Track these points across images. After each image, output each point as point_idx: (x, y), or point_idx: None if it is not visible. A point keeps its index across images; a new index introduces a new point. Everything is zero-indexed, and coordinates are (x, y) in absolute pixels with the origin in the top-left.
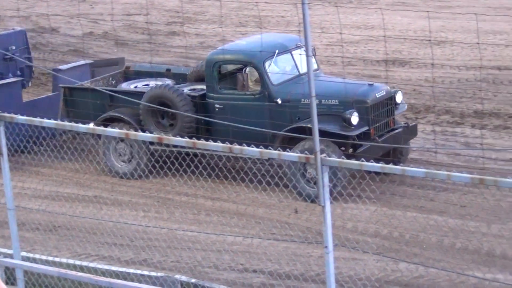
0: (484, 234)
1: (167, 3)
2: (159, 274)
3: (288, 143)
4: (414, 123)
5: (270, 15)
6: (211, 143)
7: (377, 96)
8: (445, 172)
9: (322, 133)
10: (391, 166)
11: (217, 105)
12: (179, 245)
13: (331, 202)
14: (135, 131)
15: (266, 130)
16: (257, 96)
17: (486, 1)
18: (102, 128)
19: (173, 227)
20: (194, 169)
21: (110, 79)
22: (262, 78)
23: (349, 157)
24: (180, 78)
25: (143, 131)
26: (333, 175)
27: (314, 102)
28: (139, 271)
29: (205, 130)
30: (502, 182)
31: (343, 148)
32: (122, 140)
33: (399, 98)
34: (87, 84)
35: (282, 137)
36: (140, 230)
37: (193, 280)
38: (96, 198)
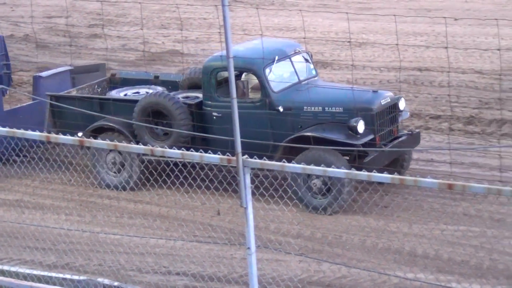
0: (406, 234)
1: (89, 6)
2: (81, 277)
3: (290, 153)
4: (417, 131)
5: (192, 17)
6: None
7: (382, 103)
8: (366, 173)
9: (327, 142)
10: (312, 167)
11: (215, 114)
12: (101, 248)
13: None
14: (128, 141)
15: (266, 142)
16: (257, 104)
17: (407, 3)
18: (91, 140)
19: (95, 230)
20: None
21: (96, 86)
22: (263, 85)
23: (357, 168)
24: (169, 85)
25: (137, 141)
26: (341, 187)
27: (235, 102)
28: (61, 275)
29: (200, 140)
30: (422, 182)
31: (347, 158)
32: (111, 150)
33: (402, 105)
34: (73, 91)
35: (284, 147)
36: (62, 233)
37: (115, 283)
38: (17, 202)
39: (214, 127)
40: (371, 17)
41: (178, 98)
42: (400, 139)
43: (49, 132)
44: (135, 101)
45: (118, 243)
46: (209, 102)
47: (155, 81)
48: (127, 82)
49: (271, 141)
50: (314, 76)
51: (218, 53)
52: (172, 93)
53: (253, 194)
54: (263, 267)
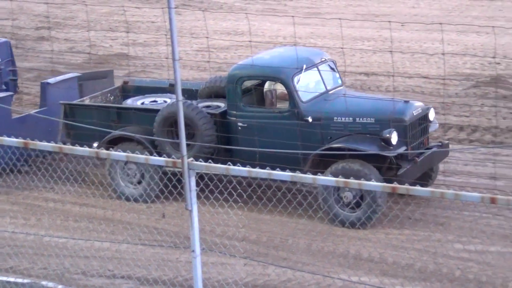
0: (351, 237)
1: (36, 8)
2: (26, 280)
3: (318, 166)
4: (447, 142)
5: (140, 20)
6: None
7: (414, 114)
8: (311, 176)
9: (359, 154)
10: (257, 170)
11: (240, 124)
12: (46, 251)
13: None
14: (149, 151)
15: (294, 151)
16: (285, 114)
17: (354, 8)
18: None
19: (40, 233)
20: (61, 174)
21: (108, 94)
22: (291, 95)
23: (388, 181)
24: (185, 93)
25: (158, 151)
26: (372, 201)
27: (181, 105)
28: (5, 278)
29: (224, 151)
30: (365, 185)
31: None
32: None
33: (431, 115)
34: (86, 100)
35: (313, 159)
36: (7, 236)
37: (60, 287)
38: None
39: (240, 137)
40: (319, 22)
41: (201, 108)
42: (431, 150)
43: (63, 143)
44: (156, 111)
45: (63, 246)
46: (234, 112)
47: (170, 89)
48: (140, 90)
49: (300, 153)
50: (340, 86)
51: (243, 61)
52: (193, 102)
53: (198, 197)
54: (208, 270)
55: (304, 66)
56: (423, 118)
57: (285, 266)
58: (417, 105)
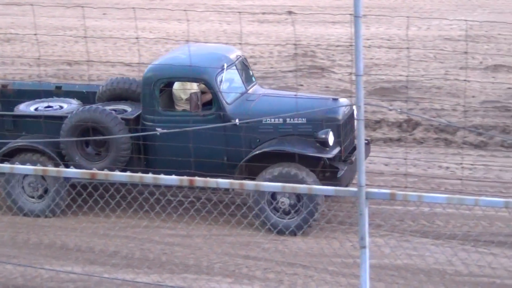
0: (59, 228)
1: None
2: None
3: (250, 172)
4: (368, 139)
5: None
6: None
7: (345, 112)
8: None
9: (293, 156)
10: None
11: (159, 129)
12: None
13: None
14: (54, 161)
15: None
16: (209, 117)
17: None
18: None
19: None
20: None
21: None
22: (215, 96)
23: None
24: (74, 96)
25: (65, 162)
26: (308, 201)
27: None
28: None
29: (137, 160)
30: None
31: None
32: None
33: (355, 112)
34: None
35: (243, 165)
36: None
37: None
38: None
39: (158, 144)
40: (20, 12)
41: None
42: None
43: None
44: (63, 117)
45: None
46: (152, 117)
47: (57, 92)
48: (22, 94)
49: (225, 159)
50: (255, 84)
51: (156, 61)
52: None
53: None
54: None
55: (225, 65)
56: (351, 116)
57: None
58: (346, 102)
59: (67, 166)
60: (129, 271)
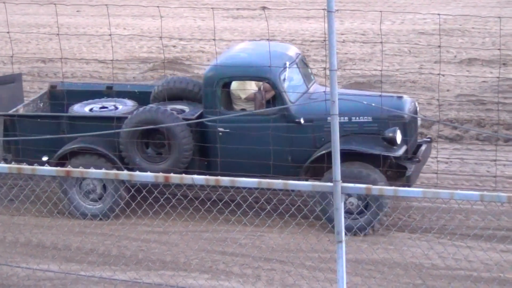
0: (34, 226)
1: None
2: None
3: (314, 173)
4: (430, 137)
5: None
6: None
7: (410, 111)
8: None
9: (360, 155)
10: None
11: (221, 130)
12: None
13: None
14: (113, 164)
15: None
16: (274, 116)
17: None
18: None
19: None
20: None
21: (38, 101)
22: (280, 95)
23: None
24: (126, 96)
25: (126, 164)
26: (373, 202)
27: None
28: None
29: (199, 162)
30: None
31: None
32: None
33: (417, 110)
34: (20, 109)
35: (307, 166)
36: None
37: None
38: None
39: (220, 145)
40: None
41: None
42: (423, 147)
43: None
44: (120, 118)
45: None
46: (214, 117)
47: (108, 92)
48: (72, 95)
49: (289, 159)
50: (314, 82)
51: (216, 60)
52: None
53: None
54: None
55: (287, 63)
56: (415, 114)
57: None
58: (411, 101)
59: (128, 169)
60: (106, 268)
